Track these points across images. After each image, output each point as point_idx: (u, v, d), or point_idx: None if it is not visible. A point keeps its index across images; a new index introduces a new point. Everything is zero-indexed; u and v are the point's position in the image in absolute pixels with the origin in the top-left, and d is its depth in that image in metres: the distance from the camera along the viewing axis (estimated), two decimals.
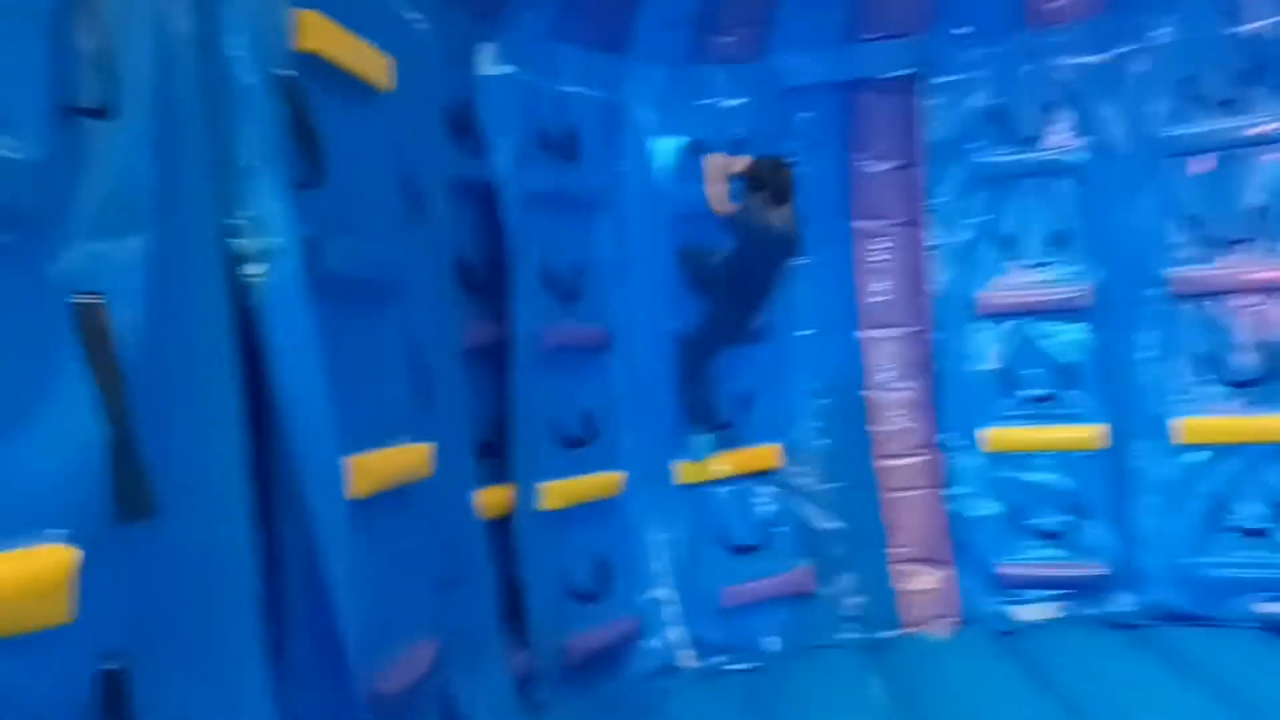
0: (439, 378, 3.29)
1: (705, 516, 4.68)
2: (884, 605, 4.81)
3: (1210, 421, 4.49)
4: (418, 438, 2.98)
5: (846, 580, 4.79)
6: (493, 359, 3.94)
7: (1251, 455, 4.45)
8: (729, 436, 4.71)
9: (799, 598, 4.73)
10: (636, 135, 4.65)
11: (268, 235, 2.14)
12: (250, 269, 2.11)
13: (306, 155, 2.33)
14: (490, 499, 3.72)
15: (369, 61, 2.83)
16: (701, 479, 4.66)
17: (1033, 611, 4.70)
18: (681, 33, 4.72)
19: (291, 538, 2.30)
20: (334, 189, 2.50)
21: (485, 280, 3.97)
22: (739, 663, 4.47)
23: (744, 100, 4.87)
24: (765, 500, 4.79)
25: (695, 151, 4.74)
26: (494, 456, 3.87)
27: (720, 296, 4.56)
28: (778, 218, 4.36)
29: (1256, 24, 4.37)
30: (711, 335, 4.59)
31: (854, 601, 4.78)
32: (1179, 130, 4.56)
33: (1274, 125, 4.39)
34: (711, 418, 4.68)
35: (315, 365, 2.22)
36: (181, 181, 1.94)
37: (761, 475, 4.79)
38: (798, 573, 4.73)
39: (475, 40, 4.02)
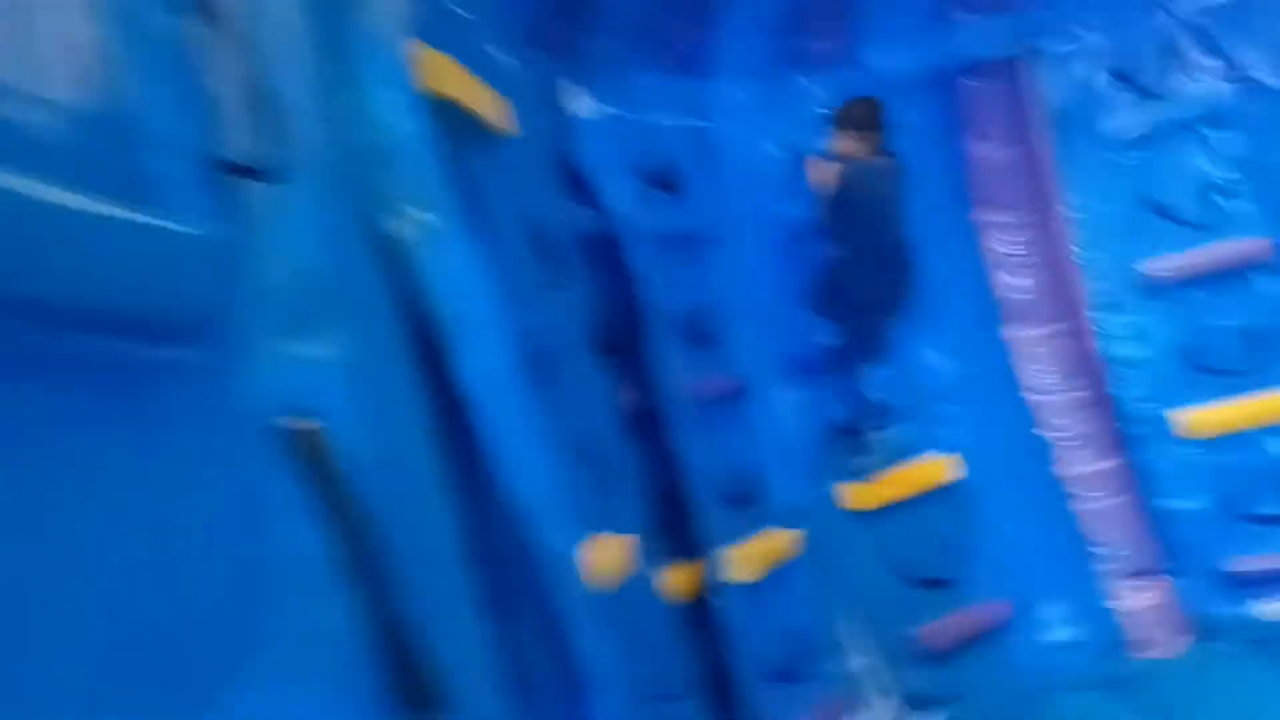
0: (609, 456, 2.85)
1: (885, 548, 4.16)
2: (1104, 630, 4.25)
3: None
4: (616, 529, 2.54)
5: (1054, 608, 4.24)
6: (642, 429, 3.49)
7: None
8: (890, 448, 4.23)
9: (1006, 627, 4.19)
10: (734, 159, 4.23)
11: (461, 312, 1.70)
12: (449, 354, 1.67)
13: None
14: (671, 583, 3.24)
15: (488, 103, 2.43)
16: (876, 503, 4.15)
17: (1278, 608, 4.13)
18: (765, 43, 4.31)
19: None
20: (493, 250, 2.09)
21: (620, 340, 3.53)
22: (962, 715, 3.93)
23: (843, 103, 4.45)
24: (944, 522, 4.28)
25: (797, 167, 4.34)
26: (663, 536, 3.39)
27: (852, 274, 4.12)
28: (876, 155, 4.00)
29: None
30: (858, 320, 4.15)
31: (1067, 631, 4.22)
32: None
33: None
34: (876, 422, 4.22)
35: (543, 453, 1.79)
36: (353, 256, 1.53)
37: (935, 493, 4.27)
38: (1001, 603, 4.19)
39: (556, 77, 3.65)
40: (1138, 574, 4.33)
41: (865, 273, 4.08)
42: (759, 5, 4.13)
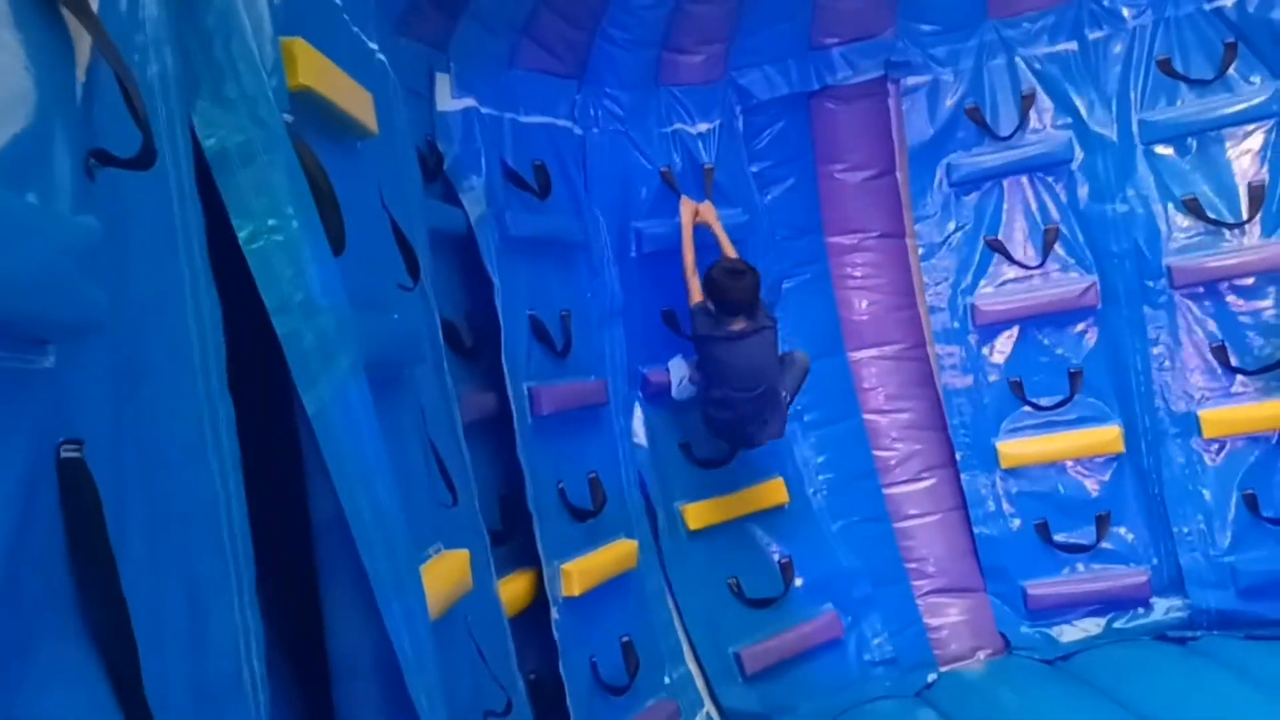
0: (450, 463, 2.79)
1: (718, 568, 4.25)
2: (917, 644, 4.47)
3: (1230, 412, 4.31)
4: (449, 543, 2.49)
5: (873, 623, 4.44)
6: (484, 432, 3.44)
7: (1275, 443, 4.29)
8: (723, 477, 4.31)
9: (828, 646, 4.35)
10: (603, 166, 4.22)
11: (320, 326, 1.63)
12: (303, 368, 1.60)
13: (327, 218, 1.83)
14: (508, 594, 3.22)
15: (357, 100, 2.33)
16: (712, 522, 4.24)
17: (1075, 631, 4.43)
18: (640, 54, 4.31)
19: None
20: (348, 255, 2.00)
21: (472, 342, 3.47)
22: None
23: (710, 121, 4.52)
24: (776, 542, 4.39)
25: (665, 179, 4.37)
26: (500, 545, 3.36)
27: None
28: (737, 324, 3.90)
29: None
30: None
31: (883, 645, 4.42)
32: (1160, 114, 4.38)
33: (1260, 98, 4.23)
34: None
35: (386, 473, 1.74)
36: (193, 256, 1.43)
37: (767, 514, 4.38)
38: (825, 619, 4.35)
39: (427, 68, 3.54)
40: (951, 590, 4.56)
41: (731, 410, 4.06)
42: (638, 15, 4.11)
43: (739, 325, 3.88)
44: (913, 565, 4.64)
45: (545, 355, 3.70)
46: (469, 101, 3.61)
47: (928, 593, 4.60)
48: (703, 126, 4.49)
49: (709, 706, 4.02)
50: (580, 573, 3.48)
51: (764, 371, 3.93)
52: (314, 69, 2.00)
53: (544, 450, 3.56)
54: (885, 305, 4.83)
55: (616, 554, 3.76)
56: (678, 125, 4.43)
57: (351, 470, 1.68)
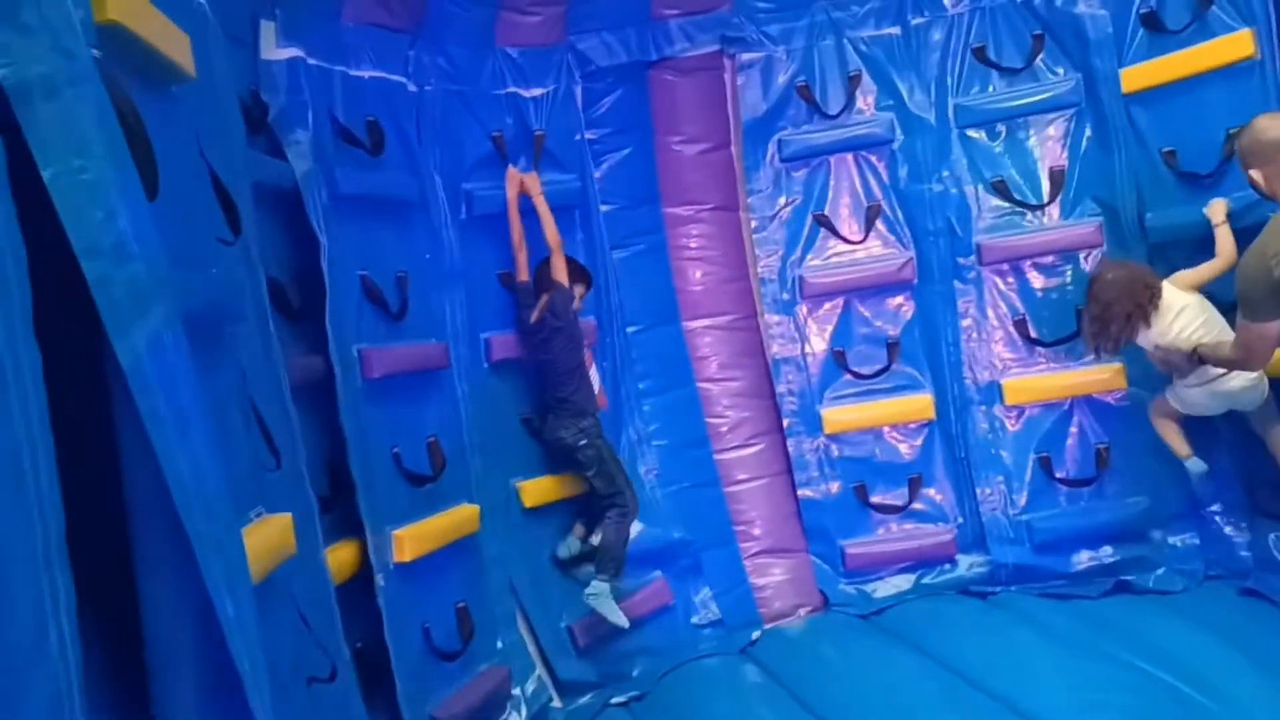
0: (275, 426, 2.69)
1: (551, 544, 4.28)
2: (743, 605, 4.64)
3: (1029, 381, 4.63)
4: (272, 507, 2.41)
5: (703, 586, 4.57)
6: (314, 396, 3.34)
7: (1067, 409, 4.65)
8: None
9: (658, 613, 4.45)
10: (436, 125, 4.13)
11: (133, 273, 1.54)
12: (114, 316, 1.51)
13: (140, 160, 1.72)
14: (335, 560, 3.14)
15: (172, 40, 2.19)
16: (549, 497, 4.26)
17: (888, 587, 4.68)
18: (479, 14, 4.24)
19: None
20: (163, 202, 1.90)
21: (301, 302, 3.35)
22: (613, 696, 4.14)
23: (546, 86, 4.49)
24: None
25: (496, 145, 4.32)
26: (329, 511, 3.27)
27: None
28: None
29: None
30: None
31: (711, 607, 4.56)
32: (974, 99, 4.64)
33: (1063, 89, 4.54)
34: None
35: (206, 430, 1.66)
36: None
37: None
38: (654, 587, 4.45)
39: (250, 19, 3.37)
40: (775, 551, 4.74)
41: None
42: None
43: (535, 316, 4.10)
44: (740, 528, 4.80)
45: (379, 317, 3.62)
46: (295, 52, 3.45)
47: (754, 554, 4.77)
48: (537, 91, 4.45)
49: (540, 670, 4.05)
50: (413, 538, 3.43)
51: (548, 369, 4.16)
52: (124, 2, 1.87)
53: (377, 414, 3.48)
54: (719, 276, 4.94)
55: (455, 519, 3.72)
56: (513, 88, 4.38)
57: (168, 424, 1.60)
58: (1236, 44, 3.99)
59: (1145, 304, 3.94)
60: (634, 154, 4.77)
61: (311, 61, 3.55)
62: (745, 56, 4.75)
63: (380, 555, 3.35)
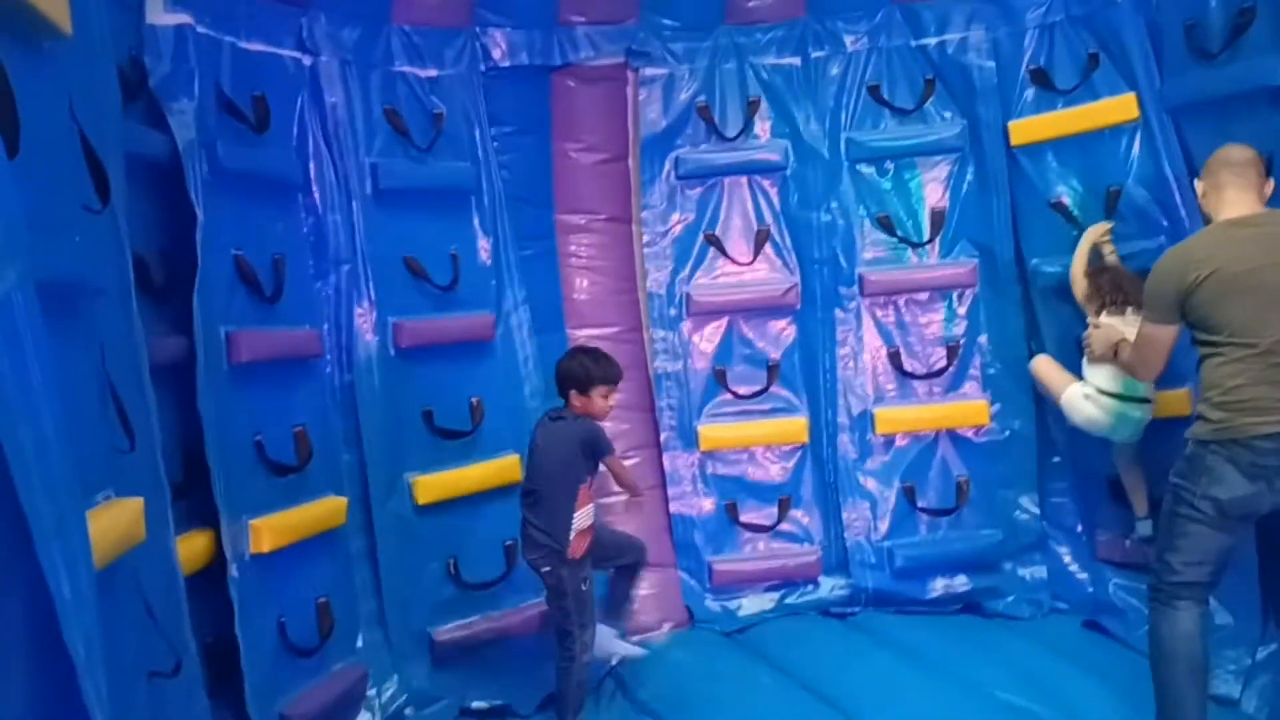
0: (131, 407, 2.57)
1: (439, 546, 4.15)
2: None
3: (899, 412, 4.78)
4: (122, 490, 2.29)
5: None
6: (175, 379, 3.20)
7: (932, 440, 4.81)
8: (462, 449, 4.24)
9: (534, 634, 4.38)
10: (324, 102, 4.00)
11: None
12: None
13: (1, 112, 1.62)
14: (187, 550, 3.01)
15: None
16: (439, 496, 4.11)
17: (752, 605, 4.75)
18: None
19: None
20: (24, 161, 1.79)
21: (165, 280, 3.20)
22: (470, 701, 4.07)
23: (444, 69, 4.38)
24: (503, 522, 4.36)
25: (391, 116, 4.18)
26: (183, 498, 3.14)
27: None
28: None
29: (937, 38, 4.67)
30: None
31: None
32: (866, 135, 4.78)
33: (949, 133, 4.72)
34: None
35: (54, 403, 1.57)
36: None
37: (500, 491, 4.29)
38: (536, 606, 4.37)
39: None
40: (647, 565, 4.75)
41: None
42: None
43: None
44: None
45: (251, 300, 3.49)
46: (184, 18, 3.32)
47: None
48: (433, 71, 4.34)
49: (395, 680, 3.95)
50: (272, 529, 3.32)
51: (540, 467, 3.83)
52: None
53: (240, 400, 3.36)
54: (607, 288, 4.93)
55: (319, 511, 3.61)
56: (408, 67, 4.27)
57: (12, 393, 1.50)
58: (1121, 106, 4.22)
59: (1132, 302, 3.95)
60: (530, 156, 4.73)
61: (200, 29, 3.42)
62: (648, 71, 4.78)
63: (235, 545, 3.23)
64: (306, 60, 3.92)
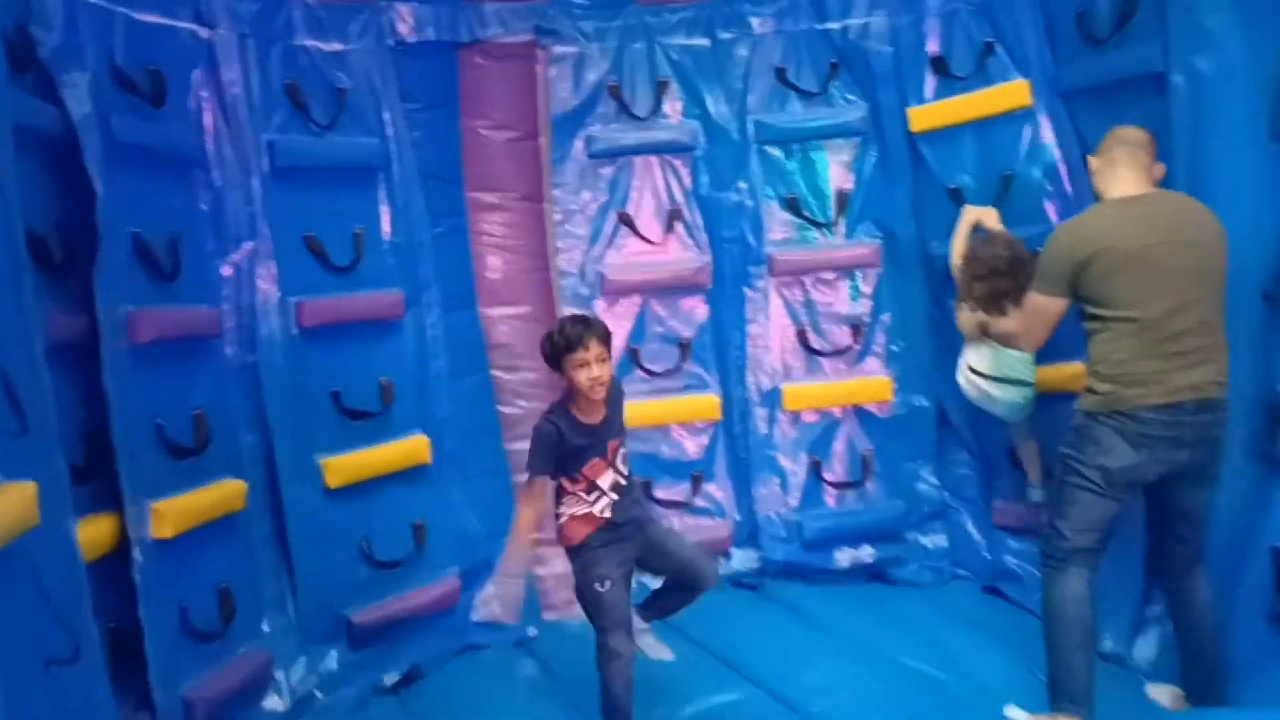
0: (22, 388, 2.49)
1: (350, 528, 4.11)
2: (525, 597, 4.63)
3: (807, 388, 4.89)
4: (11, 474, 2.23)
5: (485, 581, 4.53)
6: (74, 359, 3.10)
7: (839, 416, 4.94)
8: (371, 429, 4.20)
9: (443, 612, 4.37)
10: (224, 76, 3.88)
11: None
12: None
13: None
14: (90, 534, 2.94)
15: None
16: (350, 479, 4.07)
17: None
18: None
19: None
20: None
21: (64, 257, 3.10)
22: (380, 679, 4.06)
23: (348, 43, 4.30)
24: (412, 502, 4.34)
25: (292, 91, 4.09)
26: (85, 482, 3.06)
27: None
28: None
29: (841, 22, 4.75)
30: None
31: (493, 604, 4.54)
32: (773, 117, 4.85)
33: (853, 117, 4.81)
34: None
35: None
36: None
37: (409, 473, 4.30)
38: (444, 585, 4.38)
39: None
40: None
41: None
42: None
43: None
44: None
45: (149, 278, 3.40)
46: None
47: (540, 545, 4.77)
48: (337, 45, 4.25)
49: (303, 662, 3.92)
50: (174, 513, 3.25)
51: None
52: None
53: (141, 381, 3.27)
54: (519, 266, 4.92)
55: (219, 495, 3.55)
56: (310, 40, 4.18)
57: None
58: (1014, 92, 4.36)
59: (1016, 290, 4.00)
60: (439, 134, 4.68)
61: (97, 1, 3.30)
62: (558, 49, 4.77)
63: (138, 529, 3.15)
64: (204, 33, 3.81)
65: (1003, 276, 4.10)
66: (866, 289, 4.90)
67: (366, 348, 4.25)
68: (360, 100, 4.33)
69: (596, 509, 3.44)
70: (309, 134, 4.13)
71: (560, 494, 3.49)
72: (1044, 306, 3.42)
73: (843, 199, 4.87)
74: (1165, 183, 3.48)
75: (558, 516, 3.51)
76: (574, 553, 3.49)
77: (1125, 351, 3.22)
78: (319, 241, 4.10)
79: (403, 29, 4.49)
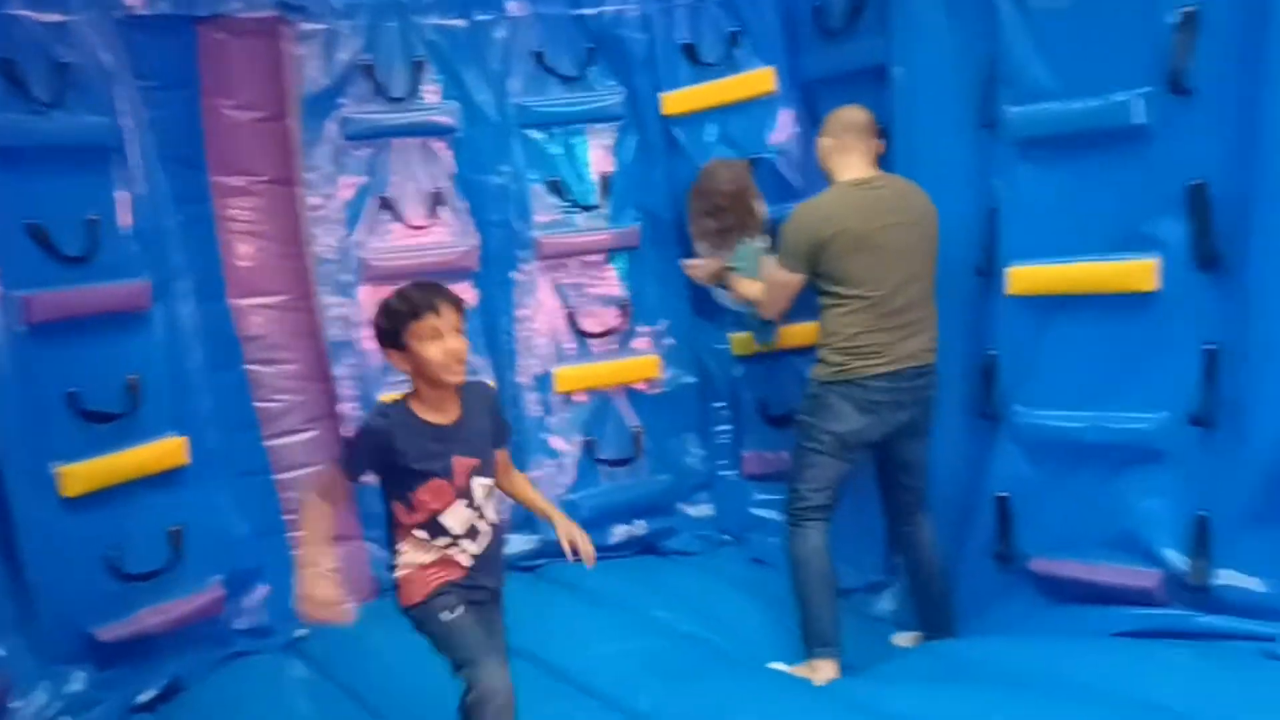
0: None
1: (94, 541, 3.81)
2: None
3: (577, 370, 4.97)
4: None
5: (253, 585, 4.34)
6: None
7: (609, 396, 5.06)
8: (117, 432, 3.89)
9: (204, 618, 4.14)
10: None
11: None
12: None
13: None
14: None
15: None
16: (94, 488, 3.75)
17: None
18: None
19: None
20: None
21: None
22: (136, 696, 3.81)
23: (72, 16, 3.93)
24: (168, 508, 4.06)
25: (9, 72, 3.72)
26: None
27: None
28: None
29: (596, 9, 4.83)
30: None
31: (260, 602, 4.36)
32: (534, 100, 4.87)
33: (612, 101, 4.92)
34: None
35: None
36: None
37: (164, 476, 4.01)
38: (209, 591, 4.14)
39: None
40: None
41: None
42: None
43: None
44: (292, 517, 4.61)
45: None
46: None
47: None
48: (58, 16, 3.87)
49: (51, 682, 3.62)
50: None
51: None
52: None
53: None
54: (272, 253, 4.67)
55: None
56: (24, 11, 3.77)
57: None
58: (760, 80, 4.60)
59: (749, 221, 4.23)
60: (178, 114, 4.35)
61: None
62: (306, 26, 4.56)
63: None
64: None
65: (726, 212, 4.32)
66: (631, 270, 5.03)
67: (110, 344, 3.93)
68: (87, 76, 3.97)
69: (451, 554, 2.69)
70: (29, 112, 3.76)
71: (395, 532, 2.72)
72: (785, 281, 3.70)
73: (605, 182, 4.97)
74: (886, 166, 3.80)
75: (393, 568, 2.74)
76: (416, 613, 2.74)
77: (857, 326, 3.53)
78: (45, 230, 3.76)
79: (132, 1, 4.17)
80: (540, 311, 4.95)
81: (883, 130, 3.79)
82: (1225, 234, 3.28)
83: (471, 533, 2.69)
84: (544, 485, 4.91)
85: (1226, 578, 3.31)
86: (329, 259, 4.66)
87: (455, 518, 2.65)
